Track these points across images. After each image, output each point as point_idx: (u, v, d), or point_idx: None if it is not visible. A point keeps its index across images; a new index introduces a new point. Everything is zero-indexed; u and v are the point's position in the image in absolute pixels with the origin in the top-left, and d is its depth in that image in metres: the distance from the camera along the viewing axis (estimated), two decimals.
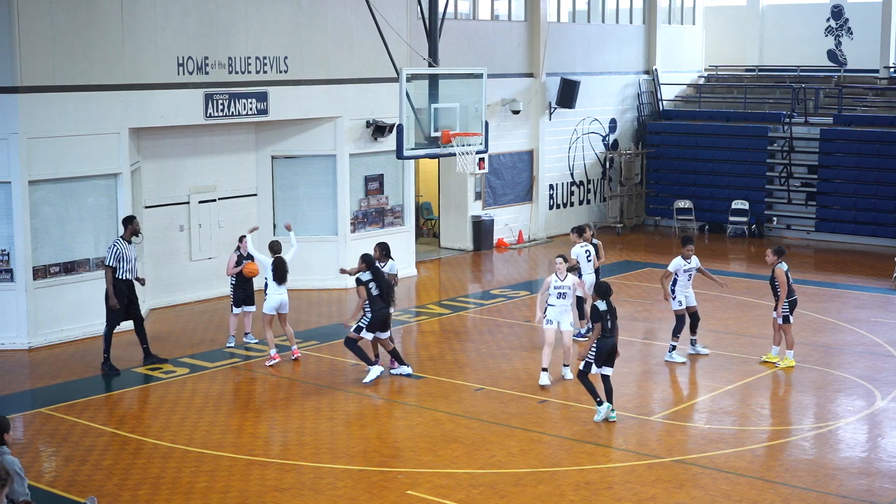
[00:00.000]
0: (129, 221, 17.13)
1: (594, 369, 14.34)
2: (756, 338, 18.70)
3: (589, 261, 18.28)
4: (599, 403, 14.38)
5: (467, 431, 14.08)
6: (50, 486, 12.25)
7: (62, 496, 11.98)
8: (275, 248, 17.40)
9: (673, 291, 17.40)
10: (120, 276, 16.83)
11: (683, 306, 17.42)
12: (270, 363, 17.11)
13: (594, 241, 18.78)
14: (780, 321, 17.02)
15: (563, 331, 16.17)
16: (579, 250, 18.27)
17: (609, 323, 14.30)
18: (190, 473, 12.65)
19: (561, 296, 16.01)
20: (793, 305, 17.08)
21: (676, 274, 17.38)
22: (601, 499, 11.90)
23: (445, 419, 14.59)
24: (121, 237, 17.02)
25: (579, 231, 18.63)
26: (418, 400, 15.59)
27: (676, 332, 17.46)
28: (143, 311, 20.21)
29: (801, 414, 15.28)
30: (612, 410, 14.39)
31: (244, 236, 18.09)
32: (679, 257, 17.44)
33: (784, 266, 17.00)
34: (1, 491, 8.68)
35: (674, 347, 17.44)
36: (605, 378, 14.42)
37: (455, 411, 14.93)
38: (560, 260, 16.27)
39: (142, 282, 17.58)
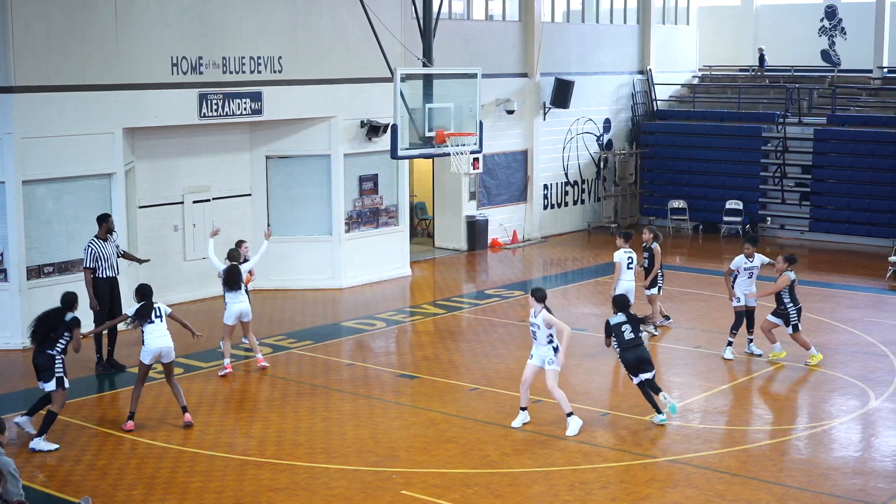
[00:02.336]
0: (104, 220, 17.13)
1: (635, 379, 14.30)
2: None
3: (630, 268, 18.04)
4: (658, 412, 14.21)
5: (462, 431, 14.08)
6: (44, 487, 12.24)
7: (57, 496, 11.97)
8: (232, 255, 17.01)
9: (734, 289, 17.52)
10: (100, 276, 16.83)
11: (742, 303, 17.51)
12: (222, 373, 16.63)
13: (653, 244, 18.61)
14: (789, 331, 17.03)
15: (546, 370, 13.84)
16: (622, 255, 18.11)
17: (629, 334, 14.16)
18: (184, 474, 12.64)
19: (533, 335, 13.89)
20: (799, 312, 17.08)
21: (738, 272, 17.46)
22: (596, 498, 11.90)
23: (440, 419, 14.59)
24: (95, 236, 17.01)
25: (626, 236, 18.47)
26: (413, 400, 15.59)
27: (734, 329, 17.60)
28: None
29: (796, 413, 15.31)
30: (667, 404, 14.09)
31: (242, 241, 17.85)
32: (741, 255, 17.54)
33: (792, 275, 16.92)
34: None
35: (730, 343, 17.57)
36: (642, 384, 14.25)
37: (450, 411, 14.93)
38: (529, 295, 14.03)
39: (138, 261, 18.05)
